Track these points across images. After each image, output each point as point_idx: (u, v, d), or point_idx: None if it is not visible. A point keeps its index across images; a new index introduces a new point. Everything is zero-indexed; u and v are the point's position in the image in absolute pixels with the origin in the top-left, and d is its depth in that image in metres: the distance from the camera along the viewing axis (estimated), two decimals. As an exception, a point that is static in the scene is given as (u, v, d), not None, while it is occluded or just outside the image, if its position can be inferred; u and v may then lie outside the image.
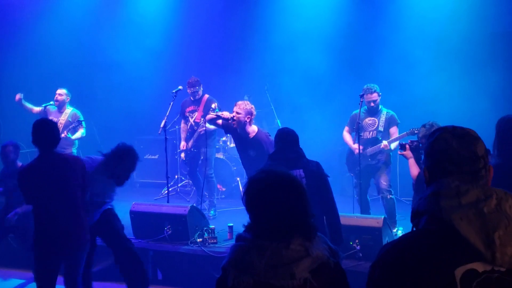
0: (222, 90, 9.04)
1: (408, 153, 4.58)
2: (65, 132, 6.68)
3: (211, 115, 5.74)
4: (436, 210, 1.43)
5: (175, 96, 6.41)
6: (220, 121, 5.62)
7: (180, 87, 6.52)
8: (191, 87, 6.88)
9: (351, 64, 8.26)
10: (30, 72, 9.03)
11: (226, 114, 5.51)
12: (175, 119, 8.10)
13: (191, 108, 7.00)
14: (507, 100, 7.36)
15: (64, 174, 3.66)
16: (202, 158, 6.91)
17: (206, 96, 6.99)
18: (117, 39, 9.22)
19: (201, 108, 6.90)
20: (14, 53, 9.13)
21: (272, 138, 4.98)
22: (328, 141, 7.99)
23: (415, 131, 5.52)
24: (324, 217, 3.81)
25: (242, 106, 5.35)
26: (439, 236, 1.42)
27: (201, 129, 6.79)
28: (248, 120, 5.34)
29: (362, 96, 5.85)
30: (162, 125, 6.34)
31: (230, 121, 5.39)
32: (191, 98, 7.00)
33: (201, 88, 6.97)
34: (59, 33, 9.14)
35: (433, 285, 1.37)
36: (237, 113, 5.33)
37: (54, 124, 3.89)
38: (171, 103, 6.38)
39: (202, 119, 6.76)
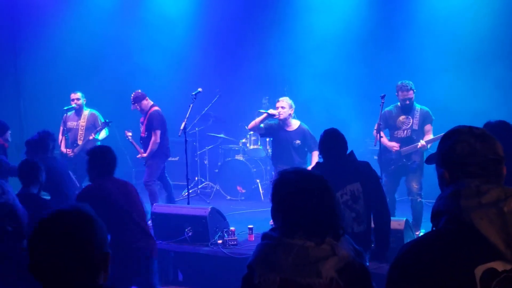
0: (241, 92, 9.06)
1: None
2: (92, 134, 6.87)
3: (258, 118, 5.98)
4: (456, 210, 1.43)
5: (195, 98, 6.44)
6: (262, 125, 6.01)
7: (199, 89, 6.55)
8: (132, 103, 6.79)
9: (370, 63, 8.22)
10: (51, 74, 9.17)
11: (272, 111, 5.96)
12: (195, 121, 8.16)
13: (141, 119, 6.92)
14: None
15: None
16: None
17: (152, 110, 6.77)
18: (137, 42, 9.32)
19: (145, 122, 6.78)
20: (35, 56, 9.29)
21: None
22: (351, 142, 7.93)
23: None
24: (373, 221, 3.66)
25: (285, 101, 5.94)
26: (458, 235, 1.41)
27: (143, 155, 6.75)
28: (291, 113, 5.94)
29: (383, 97, 5.71)
30: (182, 127, 6.37)
31: (277, 116, 5.88)
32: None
33: (143, 103, 6.71)
34: (81, 36, 9.27)
35: (453, 284, 1.37)
36: (282, 107, 5.90)
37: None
38: (191, 105, 6.41)
39: (146, 133, 6.75)
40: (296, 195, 1.83)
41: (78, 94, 7.13)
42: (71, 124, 7.14)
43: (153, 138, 6.66)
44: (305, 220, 1.80)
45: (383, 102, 5.69)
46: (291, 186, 1.86)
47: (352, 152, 3.68)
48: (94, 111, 7.20)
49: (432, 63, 7.77)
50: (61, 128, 7.15)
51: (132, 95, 6.77)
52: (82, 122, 7.07)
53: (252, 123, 6.07)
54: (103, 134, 7.08)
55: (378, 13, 8.27)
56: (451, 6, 7.80)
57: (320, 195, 1.85)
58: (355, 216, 3.52)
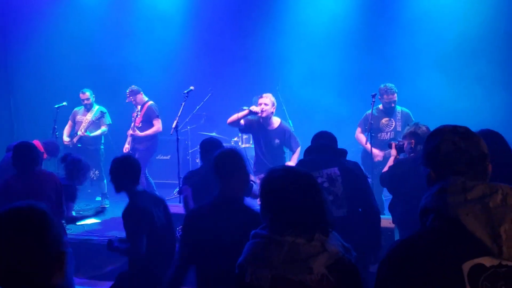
0: (233, 91, 9.04)
1: (393, 151, 4.50)
2: (82, 130, 7.23)
3: (240, 113, 5.76)
4: (443, 207, 1.44)
5: (187, 96, 6.43)
6: (242, 121, 5.77)
7: (191, 87, 6.54)
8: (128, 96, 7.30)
9: (362, 63, 8.24)
10: (42, 71, 9.13)
11: (254, 108, 5.76)
12: (187, 120, 8.13)
13: (135, 114, 7.29)
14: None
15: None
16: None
17: (149, 103, 7.29)
18: (129, 40, 9.27)
19: (142, 113, 7.21)
20: (28, 54, 9.22)
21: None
22: (342, 141, 7.97)
23: None
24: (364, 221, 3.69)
25: (269, 98, 5.76)
26: (446, 232, 1.43)
27: (136, 133, 7.11)
28: (273, 111, 5.75)
29: (374, 96, 5.75)
30: (173, 125, 6.36)
31: (259, 114, 5.67)
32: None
33: (138, 96, 7.25)
34: (72, 33, 9.22)
35: (441, 281, 1.38)
36: (265, 104, 5.69)
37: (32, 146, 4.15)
38: (183, 104, 6.40)
39: (140, 123, 7.15)
40: (284, 193, 1.85)
41: (87, 94, 7.49)
42: (79, 118, 7.51)
43: (156, 126, 7.06)
44: (294, 217, 1.81)
45: (373, 101, 5.75)
46: (279, 184, 1.87)
47: (339, 150, 3.77)
48: (102, 108, 7.54)
49: (416, 61, 7.86)
50: (69, 123, 7.56)
51: (128, 89, 7.23)
52: (89, 117, 7.44)
53: (232, 118, 5.78)
54: (98, 132, 7.43)
55: (366, 13, 8.35)
56: (434, 5, 7.90)
57: (308, 192, 1.86)
58: (332, 199, 3.52)
